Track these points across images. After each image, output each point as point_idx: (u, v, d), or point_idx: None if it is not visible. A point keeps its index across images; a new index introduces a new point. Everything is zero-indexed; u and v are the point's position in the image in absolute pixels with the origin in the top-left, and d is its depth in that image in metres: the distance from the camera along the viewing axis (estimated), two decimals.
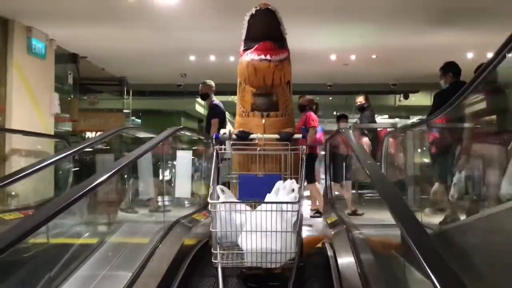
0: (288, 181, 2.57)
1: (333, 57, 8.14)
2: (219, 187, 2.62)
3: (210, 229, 2.49)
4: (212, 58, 8.32)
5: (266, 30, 2.87)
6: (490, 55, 2.14)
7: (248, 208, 2.59)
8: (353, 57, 8.18)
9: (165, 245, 2.83)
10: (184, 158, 4.85)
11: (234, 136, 2.86)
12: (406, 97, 11.56)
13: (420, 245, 1.28)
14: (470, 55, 7.54)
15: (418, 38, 6.88)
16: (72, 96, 8.23)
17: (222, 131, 2.83)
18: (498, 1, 5.42)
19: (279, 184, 2.58)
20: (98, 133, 8.30)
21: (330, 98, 13.03)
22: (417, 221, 1.51)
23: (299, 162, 2.77)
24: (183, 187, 4.51)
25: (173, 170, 5.03)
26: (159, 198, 5.03)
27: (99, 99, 10.55)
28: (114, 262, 2.77)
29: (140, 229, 4.07)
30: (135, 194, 5.24)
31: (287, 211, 2.36)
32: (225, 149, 2.85)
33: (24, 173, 2.49)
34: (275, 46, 2.84)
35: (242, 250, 2.46)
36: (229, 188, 2.94)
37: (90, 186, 1.96)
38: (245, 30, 2.94)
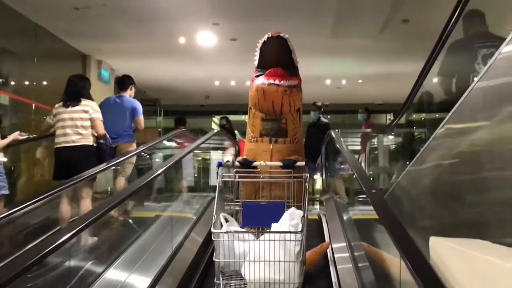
0: (291, 210, 2.53)
1: (327, 81, 10.29)
2: (222, 215, 2.53)
3: (213, 259, 2.42)
4: (233, 83, 10.49)
5: (277, 57, 2.92)
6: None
7: (252, 236, 2.54)
8: (344, 81, 10.33)
9: (210, 208, 4.19)
10: (216, 155, 6.93)
11: (237, 163, 2.82)
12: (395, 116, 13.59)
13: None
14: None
15: (391, 66, 9.00)
16: None
17: (225, 159, 3.10)
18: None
19: (286, 214, 2.51)
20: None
21: (328, 117, 15.12)
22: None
23: (302, 189, 2.72)
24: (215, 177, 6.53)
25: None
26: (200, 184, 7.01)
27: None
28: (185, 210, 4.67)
29: (196, 200, 6.01)
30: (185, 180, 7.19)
31: (290, 240, 2.31)
32: (229, 176, 2.76)
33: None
34: (285, 73, 2.88)
35: (245, 280, 2.41)
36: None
37: (166, 167, 3.27)
38: (257, 57, 2.99)
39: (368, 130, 7.61)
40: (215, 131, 6.78)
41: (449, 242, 1.66)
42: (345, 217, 3.98)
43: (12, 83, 7.52)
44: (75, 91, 4.11)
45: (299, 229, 2.34)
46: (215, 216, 2.45)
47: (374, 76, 9.71)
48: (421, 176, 2.72)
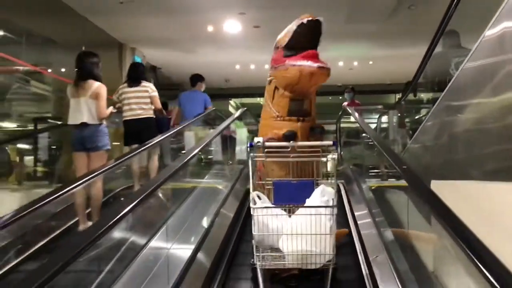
0: (321, 187, 2.61)
1: (340, 63, 11.08)
2: (255, 193, 2.63)
3: (252, 233, 2.55)
4: (252, 66, 11.33)
5: (312, 40, 2.98)
6: None
7: (284, 212, 2.66)
8: (355, 63, 11.11)
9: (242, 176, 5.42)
10: (242, 133, 7.83)
11: (266, 144, 2.82)
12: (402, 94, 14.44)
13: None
14: None
15: (400, 49, 9.76)
16: None
17: (255, 139, 2.81)
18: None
19: (317, 191, 2.59)
20: None
21: (340, 98, 15.93)
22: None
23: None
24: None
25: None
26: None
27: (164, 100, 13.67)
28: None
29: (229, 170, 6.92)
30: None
31: (324, 214, 2.43)
32: (260, 156, 2.81)
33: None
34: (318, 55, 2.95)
35: (282, 253, 2.53)
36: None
37: (210, 139, 4.44)
38: (287, 38, 2.99)
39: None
40: (244, 108, 7.69)
41: (446, 183, 2.42)
42: (361, 183, 4.89)
43: (63, 69, 8.49)
44: (136, 75, 5.06)
45: (330, 204, 2.46)
46: (252, 193, 2.59)
47: (383, 57, 10.48)
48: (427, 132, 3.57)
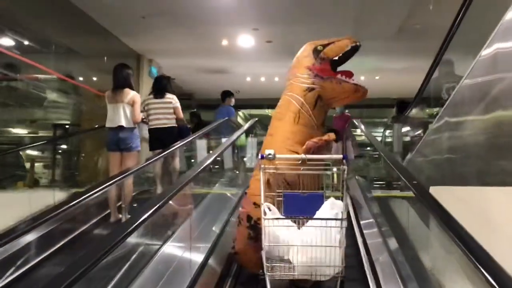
0: (331, 200, 2.65)
1: None
2: (265, 205, 2.64)
3: (263, 244, 2.56)
4: (263, 79, 11.76)
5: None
6: None
7: (295, 224, 2.68)
8: (362, 77, 11.48)
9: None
10: (252, 142, 8.22)
11: (277, 156, 2.81)
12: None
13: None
14: None
15: (405, 64, 10.15)
16: None
17: (267, 151, 2.80)
18: None
19: (326, 203, 2.63)
20: None
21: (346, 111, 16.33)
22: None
23: (339, 180, 2.80)
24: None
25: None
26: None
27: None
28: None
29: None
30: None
31: (334, 227, 2.46)
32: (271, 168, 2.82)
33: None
34: None
35: (291, 264, 2.55)
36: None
37: (226, 147, 5.07)
38: (338, 54, 3.25)
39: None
40: (256, 119, 8.13)
41: (444, 188, 2.77)
42: (366, 192, 5.24)
43: (80, 78, 8.94)
44: (161, 88, 5.61)
45: (341, 217, 2.51)
46: (263, 205, 2.62)
47: (389, 73, 10.87)
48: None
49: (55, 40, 7.88)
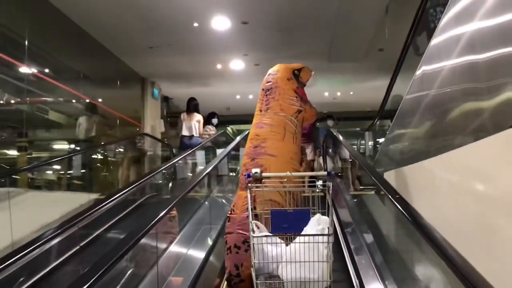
0: (317, 216, 2.66)
1: (326, 94, 13.01)
2: (254, 223, 2.66)
3: (252, 261, 2.58)
4: (250, 96, 13.18)
5: None
6: None
7: (282, 241, 2.70)
8: (338, 93, 13.04)
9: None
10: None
11: (264, 174, 2.85)
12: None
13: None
14: None
15: (373, 81, 11.69)
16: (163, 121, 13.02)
17: (253, 170, 2.84)
18: None
19: (313, 219, 2.63)
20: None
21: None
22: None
23: (325, 197, 2.79)
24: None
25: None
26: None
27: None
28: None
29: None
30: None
31: (322, 242, 2.48)
32: (257, 187, 2.82)
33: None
34: None
35: (281, 280, 2.58)
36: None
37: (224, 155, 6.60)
38: (308, 80, 3.76)
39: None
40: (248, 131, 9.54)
41: (395, 171, 4.01)
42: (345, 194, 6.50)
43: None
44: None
45: (329, 232, 2.49)
46: (251, 222, 2.62)
47: (362, 88, 12.45)
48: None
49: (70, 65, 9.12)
